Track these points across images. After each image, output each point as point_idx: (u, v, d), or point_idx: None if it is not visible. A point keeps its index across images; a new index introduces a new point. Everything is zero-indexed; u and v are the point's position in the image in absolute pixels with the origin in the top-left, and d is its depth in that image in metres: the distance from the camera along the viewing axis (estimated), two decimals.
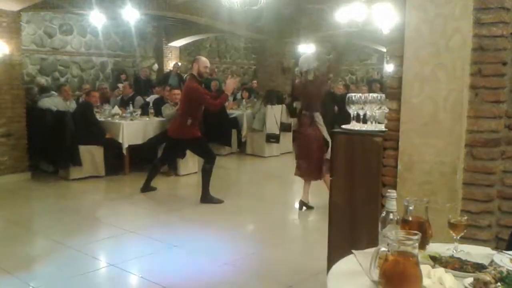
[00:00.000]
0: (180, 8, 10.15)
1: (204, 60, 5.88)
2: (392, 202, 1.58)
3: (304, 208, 5.60)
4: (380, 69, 15.49)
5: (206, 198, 5.94)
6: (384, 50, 14.83)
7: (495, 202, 2.45)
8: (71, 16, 11.77)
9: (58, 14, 11.53)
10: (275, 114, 9.32)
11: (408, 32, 2.59)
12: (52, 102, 7.68)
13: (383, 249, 1.40)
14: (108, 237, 4.84)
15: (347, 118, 3.17)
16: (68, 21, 12.01)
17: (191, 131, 5.93)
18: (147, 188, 6.41)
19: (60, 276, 3.78)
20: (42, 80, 10.34)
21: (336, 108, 9.78)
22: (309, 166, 5.39)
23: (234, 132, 9.61)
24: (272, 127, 9.25)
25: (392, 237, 1.31)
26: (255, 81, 13.15)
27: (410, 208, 1.73)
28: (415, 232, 1.32)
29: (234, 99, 11.24)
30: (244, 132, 9.63)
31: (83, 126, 7.07)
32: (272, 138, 9.21)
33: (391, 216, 1.57)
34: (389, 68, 15.12)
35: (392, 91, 2.74)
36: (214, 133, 8.90)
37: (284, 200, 6.54)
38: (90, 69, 12.67)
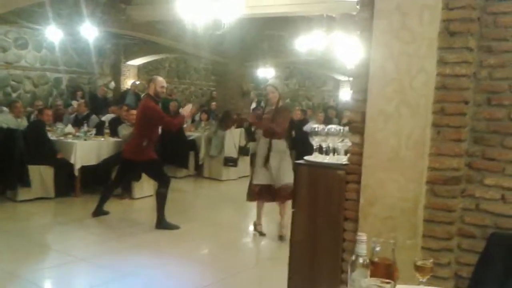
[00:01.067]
0: (141, 28, 10.03)
1: (160, 80, 5.76)
2: (362, 246, 1.55)
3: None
4: (336, 96, 15.83)
5: (162, 223, 5.77)
6: (340, 78, 15.22)
7: (455, 240, 2.47)
8: (26, 30, 11.39)
9: (13, 28, 11.14)
10: (234, 138, 9.28)
11: (373, 68, 2.62)
12: (3, 119, 7.33)
13: None
14: (57, 265, 4.57)
15: (303, 143, 3.16)
16: (23, 35, 11.63)
17: (146, 153, 5.74)
18: (99, 212, 6.14)
19: None
20: None
21: (293, 133, 9.88)
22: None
23: (191, 154, 9.48)
24: (230, 150, 9.18)
25: (364, 285, 1.27)
26: (214, 103, 13.07)
27: (377, 249, 1.70)
28: (388, 281, 1.29)
29: (193, 121, 11.14)
30: (201, 154, 9.52)
31: (33, 145, 6.76)
32: (230, 162, 9.14)
33: (360, 260, 1.53)
34: (344, 95, 15.52)
35: (355, 125, 2.76)
36: (171, 155, 8.74)
37: (241, 225, 6.45)
38: (44, 85, 12.26)
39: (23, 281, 4.04)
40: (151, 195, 7.41)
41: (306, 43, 8.55)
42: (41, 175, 6.79)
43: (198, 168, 9.66)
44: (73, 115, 9.56)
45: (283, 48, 11.43)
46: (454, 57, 2.40)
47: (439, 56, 2.42)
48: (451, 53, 2.40)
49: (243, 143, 9.48)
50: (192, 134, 9.78)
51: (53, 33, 9.99)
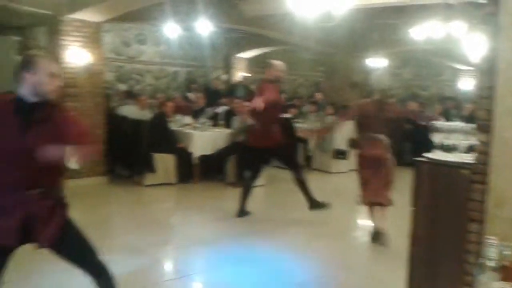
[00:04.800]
0: (253, 22, 10.32)
1: (277, 64, 5.75)
2: (492, 249, 1.54)
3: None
4: (454, 86, 14.94)
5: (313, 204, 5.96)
6: (459, 67, 14.33)
7: None
8: (147, 26, 12.28)
9: (134, 25, 12.05)
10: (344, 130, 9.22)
11: (501, 64, 2.51)
12: (129, 110, 8.06)
13: None
14: (178, 246, 4.99)
15: (419, 137, 3.05)
16: (143, 31, 12.55)
17: (274, 138, 5.78)
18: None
19: (136, 283, 3.93)
20: (123, 87, 10.92)
21: (408, 126, 9.63)
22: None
23: (300, 146, 9.59)
24: (341, 142, 9.16)
25: None
26: (319, 94, 12.97)
27: (505, 252, 1.68)
28: None
29: (301, 113, 11.20)
30: (311, 146, 9.59)
31: (157, 135, 7.35)
32: (340, 154, 9.11)
33: (489, 263, 1.53)
34: (463, 86, 14.56)
35: (482, 123, 2.66)
36: None
37: (353, 221, 6.44)
38: (163, 78, 13.16)
39: (149, 257, 4.49)
40: (262, 185, 7.69)
41: (422, 32, 8.19)
42: (165, 163, 7.38)
43: (307, 160, 9.76)
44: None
45: (396, 37, 11.07)
46: None
47: None
48: None
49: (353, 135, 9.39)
50: (301, 125, 9.88)
51: (170, 29, 10.64)
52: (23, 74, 2.53)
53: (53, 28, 7.18)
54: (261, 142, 5.75)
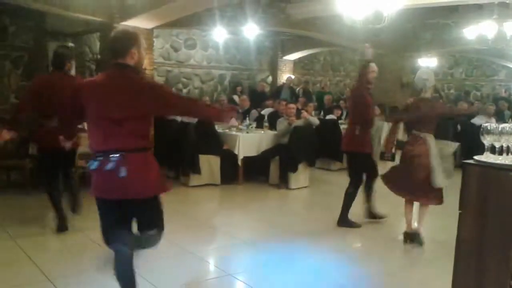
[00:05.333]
0: (300, 24, 10.31)
1: (373, 66, 5.51)
2: None
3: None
4: (508, 86, 14.34)
5: (344, 221, 5.64)
6: None
7: None
8: (195, 31, 12.53)
9: (184, 30, 12.32)
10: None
11: None
12: None
13: None
14: (223, 245, 5.05)
15: (470, 139, 2.96)
16: (193, 36, 12.81)
17: (358, 143, 5.50)
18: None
19: (180, 281, 4.00)
20: None
21: (458, 127, 9.33)
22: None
23: None
24: None
25: None
26: None
27: None
28: None
29: (347, 114, 11.07)
30: None
31: (203, 137, 7.46)
32: (387, 155, 8.92)
33: None
34: None
35: None
36: (326, 148, 8.87)
37: (397, 224, 6.29)
38: (210, 81, 13.38)
39: (195, 257, 4.54)
40: (306, 187, 7.66)
41: (475, 32, 7.91)
42: (210, 164, 7.48)
43: None
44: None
45: (447, 37, 10.76)
46: None
47: None
48: None
49: (400, 136, 9.17)
50: (346, 127, 9.76)
51: (218, 34, 10.79)
52: (130, 49, 2.61)
53: (107, 34, 7.43)
54: (345, 146, 5.64)
